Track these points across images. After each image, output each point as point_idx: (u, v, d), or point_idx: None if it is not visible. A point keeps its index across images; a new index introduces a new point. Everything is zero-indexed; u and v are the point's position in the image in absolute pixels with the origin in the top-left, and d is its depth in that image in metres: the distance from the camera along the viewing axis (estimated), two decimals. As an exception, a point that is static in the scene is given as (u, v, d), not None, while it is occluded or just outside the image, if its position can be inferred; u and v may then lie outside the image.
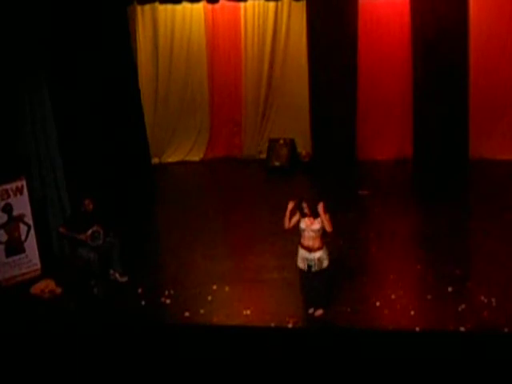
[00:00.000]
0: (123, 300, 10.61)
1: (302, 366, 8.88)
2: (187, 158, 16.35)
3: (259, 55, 15.76)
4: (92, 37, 12.72)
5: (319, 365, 8.87)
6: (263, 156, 16.01)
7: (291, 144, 15.73)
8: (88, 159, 12.55)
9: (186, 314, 10.11)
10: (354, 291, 10.44)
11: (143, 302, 10.47)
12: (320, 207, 9.51)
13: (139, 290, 10.75)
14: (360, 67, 15.23)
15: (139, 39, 15.68)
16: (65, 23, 12.04)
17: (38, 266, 11.30)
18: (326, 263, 9.72)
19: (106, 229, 10.92)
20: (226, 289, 10.72)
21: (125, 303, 10.52)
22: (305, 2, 15.08)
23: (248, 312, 10.05)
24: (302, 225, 9.64)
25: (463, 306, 9.85)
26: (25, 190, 11.12)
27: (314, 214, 9.57)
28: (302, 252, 9.75)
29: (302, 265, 9.77)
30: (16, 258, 11.15)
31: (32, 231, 11.24)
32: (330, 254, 9.85)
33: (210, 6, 15.33)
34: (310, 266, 9.69)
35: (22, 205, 11.13)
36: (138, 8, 15.38)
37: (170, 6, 15.30)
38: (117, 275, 11.10)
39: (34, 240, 11.27)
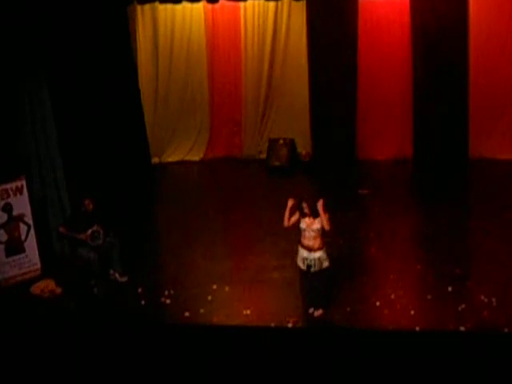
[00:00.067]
0: (123, 300, 10.61)
1: (302, 366, 8.88)
2: (187, 158, 16.34)
3: (259, 55, 15.75)
4: (92, 37, 12.74)
5: (319, 365, 8.88)
6: (263, 156, 16.01)
7: (291, 144, 15.73)
8: (88, 159, 12.56)
9: (186, 314, 10.11)
10: (354, 291, 10.44)
11: (143, 302, 10.47)
12: (319, 204, 9.52)
13: (139, 290, 10.76)
14: (360, 67, 15.22)
15: (139, 39, 15.67)
16: (65, 23, 12.05)
17: (38, 265, 11.30)
18: (326, 263, 9.72)
19: (106, 229, 10.93)
20: (226, 289, 10.72)
21: (125, 303, 10.53)
22: (305, 2, 15.07)
23: (248, 312, 10.05)
24: (302, 225, 9.65)
25: (463, 305, 9.86)
26: (25, 190, 11.12)
27: (314, 214, 9.57)
28: (302, 252, 9.75)
29: (301, 265, 9.77)
30: (16, 257, 11.15)
31: (32, 231, 11.24)
32: (330, 254, 9.85)
33: (209, 6, 15.32)
34: (309, 266, 9.69)
35: (22, 204, 11.13)
36: (138, 8, 15.38)
37: (169, 6, 15.29)
38: (117, 275, 11.10)
39: (34, 240, 11.27)
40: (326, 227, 9.56)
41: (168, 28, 15.72)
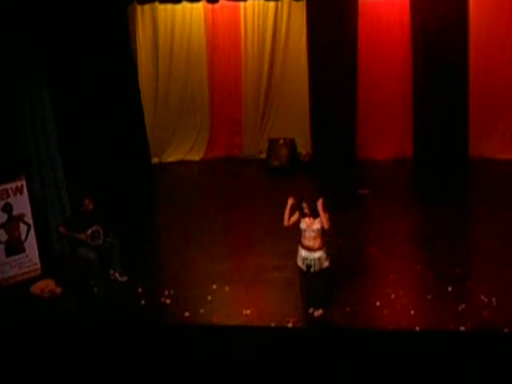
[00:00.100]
0: (123, 300, 10.61)
1: (302, 366, 8.88)
2: (187, 158, 16.35)
3: (259, 55, 15.75)
4: (92, 37, 12.74)
5: (319, 365, 8.88)
6: (263, 156, 16.01)
7: (291, 144, 15.73)
8: (88, 159, 12.56)
9: (186, 313, 10.11)
10: (354, 291, 10.44)
11: (143, 302, 10.47)
12: (319, 203, 9.52)
13: (139, 290, 10.76)
14: (360, 67, 15.23)
15: (139, 39, 15.67)
16: (65, 23, 12.05)
17: (38, 265, 11.29)
18: (325, 263, 9.72)
19: (105, 229, 10.93)
20: (226, 289, 10.72)
21: (125, 303, 10.53)
22: (305, 2, 15.07)
23: (248, 312, 10.05)
24: (302, 225, 9.64)
25: (463, 305, 9.86)
26: (25, 190, 11.12)
27: (314, 214, 9.57)
28: (302, 252, 9.75)
29: (301, 265, 9.77)
30: (16, 257, 11.14)
31: (32, 231, 11.23)
32: (330, 254, 9.85)
33: (209, 6, 15.33)
34: (309, 266, 9.69)
35: (22, 204, 11.13)
36: (138, 8, 15.38)
37: (169, 6, 15.29)
38: (117, 275, 11.10)
39: (34, 240, 11.27)
40: (326, 226, 9.56)
41: (168, 28, 15.72)
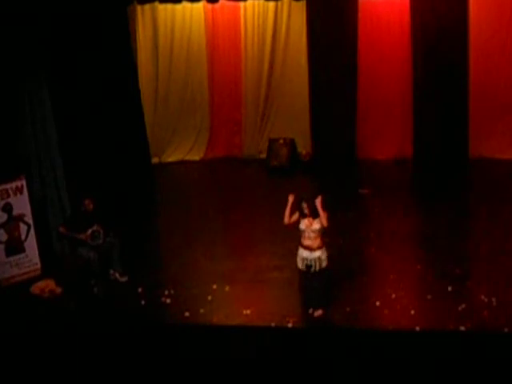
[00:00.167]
0: (123, 300, 10.61)
1: (302, 366, 8.88)
2: (187, 158, 16.35)
3: (259, 55, 15.76)
4: (92, 37, 12.74)
5: (319, 365, 8.87)
6: (263, 156, 16.01)
7: (291, 144, 15.73)
8: (88, 159, 12.56)
9: (186, 313, 10.10)
10: (354, 291, 10.44)
11: (143, 302, 10.47)
12: (318, 201, 9.52)
13: (139, 290, 10.76)
14: (360, 67, 15.23)
15: (139, 39, 15.67)
16: (65, 23, 12.04)
17: (38, 265, 11.29)
18: (325, 263, 9.72)
19: (105, 229, 10.93)
20: (226, 289, 10.72)
21: (125, 303, 10.52)
22: (305, 2, 15.08)
23: (248, 312, 10.05)
24: (302, 226, 9.64)
25: (463, 305, 9.85)
26: (25, 190, 11.12)
27: (314, 215, 9.57)
28: (301, 252, 9.75)
29: (301, 265, 9.77)
30: (16, 257, 11.14)
31: (32, 231, 11.23)
32: (330, 254, 9.85)
33: (209, 6, 15.33)
34: (309, 266, 9.69)
35: (22, 204, 11.13)
36: (138, 8, 15.38)
37: (169, 6, 15.30)
38: (117, 275, 11.10)
39: (34, 240, 11.27)
40: (325, 224, 9.55)
41: (168, 28, 15.73)
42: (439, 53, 14.50)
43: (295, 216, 9.71)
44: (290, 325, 9.73)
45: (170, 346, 9.38)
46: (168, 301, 10.48)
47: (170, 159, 16.33)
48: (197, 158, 16.34)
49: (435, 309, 9.88)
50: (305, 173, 15.43)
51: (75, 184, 11.89)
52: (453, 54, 14.51)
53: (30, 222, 11.21)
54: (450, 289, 10.29)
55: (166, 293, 10.63)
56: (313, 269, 9.67)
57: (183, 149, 16.35)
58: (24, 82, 11.46)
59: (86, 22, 12.52)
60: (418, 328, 9.46)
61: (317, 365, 8.88)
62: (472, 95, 14.88)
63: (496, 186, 13.91)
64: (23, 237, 11.21)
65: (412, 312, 9.83)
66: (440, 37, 14.40)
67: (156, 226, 13.57)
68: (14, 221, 11.11)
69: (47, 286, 10.81)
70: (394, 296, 10.23)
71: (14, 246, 11.14)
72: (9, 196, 11.03)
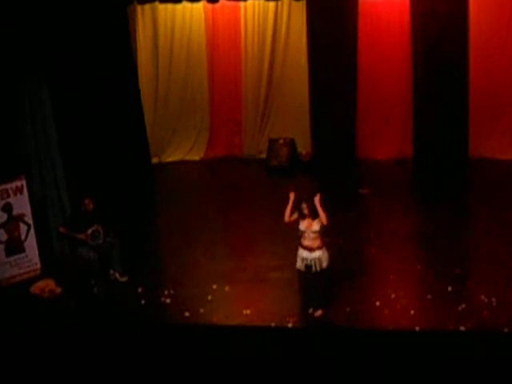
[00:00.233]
0: (123, 300, 10.62)
1: (302, 366, 8.88)
2: (187, 158, 16.34)
3: (259, 55, 15.75)
4: (92, 37, 12.73)
5: (319, 365, 8.87)
6: (263, 156, 16.01)
7: (291, 144, 15.73)
8: (88, 159, 12.56)
9: (186, 313, 10.10)
10: (354, 291, 10.44)
11: (143, 302, 10.47)
12: (316, 199, 9.51)
13: (139, 290, 10.76)
14: (360, 67, 15.23)
15: (139, 39, 15.67)
16: (65, 23, 12.04)
17: (38, 265, 11.29)
18: (325, 263, 9.72)
19: (105, 229, 10.93)
20: (226, 288, 10.72)
21: (125, 303, 10.53)
22: (305, 2, 15.07)
23: (248, 312, 10.05)
24: (302, 226, 9.64)
25: (463, 305, 9.86)
26: (25, 190, 11.12)
27: (313, 215, 9.57)
28: (301, 252, 9.75)
29: (301, 265, 9.77)
30: (16, 257, 11.14)
31: (32, 231, 11.23)
32: (330, 254, 9.85)
33: (210, 6, 15.33)
34: (309, 266, 9.69)
35: (22, 204, 11.13)
36: (138, 8, 15.38)
37: (170, 6, 15.29)
38: (117, 275, 11.10)
39: (34, 240, 11.27)
40: (325, 222, 9.54)
41: (168, 28, 15.72)
42: (439, 53, 14.49)
43: (295, 215, 9.71)
44: (289, 325, 9.73)
45: (170, 346, 9.38)
46: (168, 301, 10.48)
47: (170, 159, 16.33)
48: (197, 157, 16.34)
49: (435, 309, 9.89)
50: (305, 173, 15.42)
51: (75, 184, 11.89)
52: (453, 54, 14.50)
53: (30, 222, 11.21)
54: (450, 289, 10.29)
55: (166, 293, 10.63)
56: (313, 269, 9.67)
57: (183, 149, 16.35)
58: (24, 81, 11.46)
59: (85, 21, 12.51)
60: (417, 328, 9.46)
61: (317, 365, 8.88)
62: (472, 95, 14.87)
63: (496, 186, 13.91)
64: (23, 237, 11.21)
65: (412, 312, 9.83)
66: (440, 37, 14.39)
67: (156, 226, 13.57)
68: (13, 221, 11.11)
69: (47, 285, 10.81)
70: (393, 296, 10.23)
71: (14, 246, 11.14)
72: (9, 196, 11.03)
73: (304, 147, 15.86)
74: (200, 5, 15.29)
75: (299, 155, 15.80)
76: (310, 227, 9.60)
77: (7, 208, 11.03)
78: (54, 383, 9.05)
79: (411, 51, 14.89)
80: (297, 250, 9.82)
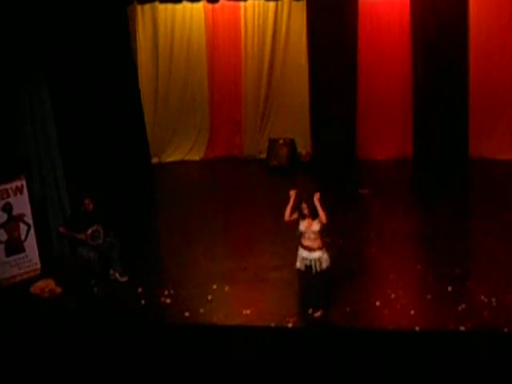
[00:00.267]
0: (123, 300, 10.62)
1: (302, 366, 8.88)
2: (187, 158, 16.34)
3: (259, 55, 15.75)
4: (92, 37, 12.73)
5: (319, 365, 8.87)
6: (263, 156, 16.01)
7: (291, 144, 15.73)
8: (88, 159, 12.56)
9: (186, 313, 10.11)
10: (354, 291, 10.44)
11: (143, 302, 10.47)
12: (315, 198, 9.51)
13: (139, 290, 10.76)
14: (360, 67, 15.23)
15: (139, 39, 15.66)
16: (65, 23, 12.04)
17: (38, 265, 11.29)
18: (325, 263, 9.72)
19: (105, 229, 10.93)
20: (226, 288, 10.72)
21: (125, 303, 10.53)
22: (305, 2, 15.07)
23: (248, 312, 10.05)
24: (302, 227, 9.64)
25: (463, 305, 9.86)
26: (25, 190, 11.12)
27: (313, 215, 9.56)
28: (301, 252, 9.75)
29: (301, 265, 9.77)
30: (16, 257, 11.14)
31: (32, 231, 11.23)
32: (330, 255, 9.85)
33: (210, 6, 15.33)
34: (309, 266, 9.69)
35: (22, 204, 11.13)
36: (138, 8, 15.37)
37: (170, 6, 15.29)
38: (117, 275, 11.10)
39: (34, 239, 11.27)
40: (324, 221, 9.54)
41: (168, 28, 15.72)
42: (439, 52, 14.49)
43: (295, 215, 9.70)
44: (289, 325, 9.73)
45: (170, 346, 9.38)
46: (168, 301, 10.48)
47: (170, 159, 16.32)
48: (197, 157, 16.34)
49: (435, 309, 9.88)
50: (305, 173, 15.42)
51: (75, 184, 11.89)
52: (453, 54, 14.51)
53: (30, 222, 11.22)
54: (450, 289, 10.29)
55: (166, 293, 10.63)
56: (313, 269, 9.66)
57: (183, 149, 16.35)
58: (24, 81, 11.46)
59: (85, 21, 12.51)
60: (417, 328, 9.46)
61: (317, 365, 8.88)
62: (472, 95, 14.87)
63: (496, 186, 13.91)
64: (23, 237, 11.21)
65: (412, 312, 9.83)
66: (440, 36, 14.39)
67: (156, 226, 13.56)
68: (13, 221, 11.11)
69: (47, 285, 10.81)
70: (393, 296, 10.23)
71: (14, 246, 11.14)
72: (9, 196, 11.03)
73: (304, 147, 15.86)
74: (200, 5, 15.29)
75: (299, 155, 15.80)
76: (310, 227, 9.60)
77: (7, 208, 11.04)
78: (54, 383, 9.05)
79: (411, 51, 14.89)
80: (297, 249, 9.82)
